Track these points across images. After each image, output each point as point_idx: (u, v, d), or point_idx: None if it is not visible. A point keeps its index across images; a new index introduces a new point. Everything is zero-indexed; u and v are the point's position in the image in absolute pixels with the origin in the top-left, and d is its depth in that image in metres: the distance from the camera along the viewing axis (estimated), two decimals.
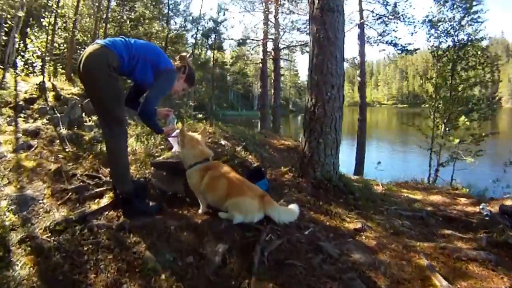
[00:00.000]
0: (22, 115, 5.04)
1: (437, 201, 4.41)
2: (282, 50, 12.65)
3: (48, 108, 5.24)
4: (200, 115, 6.74)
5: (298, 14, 12.59)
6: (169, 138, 2.92)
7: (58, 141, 3.98)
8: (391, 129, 35.79)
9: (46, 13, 9.03)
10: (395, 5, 11.08)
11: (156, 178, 3.06)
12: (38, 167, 3.09)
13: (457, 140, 7.64)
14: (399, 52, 11.23)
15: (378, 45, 11.70)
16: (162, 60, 2.45)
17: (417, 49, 11.47)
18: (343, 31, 3.79)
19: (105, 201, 2.57)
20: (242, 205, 2.33)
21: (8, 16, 7.82)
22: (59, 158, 3.41)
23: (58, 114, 4.75)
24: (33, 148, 3.66)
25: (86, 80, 2.33)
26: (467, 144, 7.96)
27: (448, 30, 8.90)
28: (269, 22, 12.47)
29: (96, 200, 2.61)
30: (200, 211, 2.56)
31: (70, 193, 2.65)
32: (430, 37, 9.30)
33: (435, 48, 8.93)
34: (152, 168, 3.23)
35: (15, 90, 6.00)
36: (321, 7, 3.62)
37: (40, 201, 2.53)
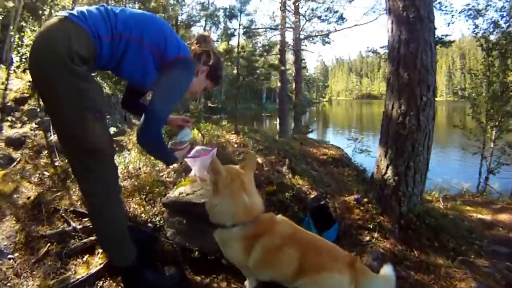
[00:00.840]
0: (9, 118, 4.43)
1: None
2: (303, 41, 11.52)
3: (38, 110, 4.52)
4: (220, 117, 5.62)
5: (317, 2, 11.46)
6: (186, 160, 2.09)
7: (46, 151, 3.35)
8: None
9: (42, 4, 8.26)
10: None
11: (172, 226, 2.13)
12: (15, 193, 2.55)
13: None
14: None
15: None
16: (171, 43, 1.53)
17: (453, 41, 10.23)
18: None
19: (97, 260, 1.89)
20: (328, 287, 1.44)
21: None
22: (44, 178, 2.81)
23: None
24: (15, 163, 3.12)
25: (37, 85, 1.42)
26: None
27: (497, 21, 7.72)
28: (287, 10, 11.32)
29: (84, 258, 1.94)
30: (247, 286, 1.74)
31: (49, 243, 2.02)
32: (476, 27, 8.14)
33: (484, 40, 7.75)
34: (165, 209, 2.28)
35: (5, 89, 5.06)
36: None
37: (9, 255, 1.92)
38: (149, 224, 2.24)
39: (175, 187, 2.54)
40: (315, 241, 1.55)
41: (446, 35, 10.21)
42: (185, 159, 2.51)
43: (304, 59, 10.90)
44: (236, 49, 4.77)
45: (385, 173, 2.62)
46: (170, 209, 2.22)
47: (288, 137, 8.83)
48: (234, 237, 1.50)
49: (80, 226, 2.13)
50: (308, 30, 11.97)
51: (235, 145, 3.98)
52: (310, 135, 10.18)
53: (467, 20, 8.73)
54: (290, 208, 2.50)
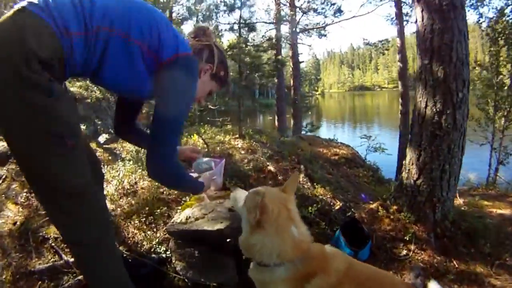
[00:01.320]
0: None
1: None
2: (299, 34, 11.18)
3: None
4: (223, 120, 5.24)
5: None
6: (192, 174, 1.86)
7: None
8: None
9: None
10: None
11: (182, 259, 1.82)
12: (0, 218, 2.26)
13: None
14: None
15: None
16: (167, 39, 1.19)
17: None
18: None
19: None
20: None
21: None
22: (31, 198, 2.47)
23: None
24: (0, 181, 2.79)
25: None
26: None
27: (503, 9, 7.50)
28: (282, 3, 10.96)
29: None
30: None
31: (40, 281, 1.72)
32: (480, 17, 7.95)
33: (490, 29, 7.54)
34: (171, 238, 1.96)
35: None
36: None
37: None
38: (153, 255, 1.92)
39: (180, 208, 2.26)
40: (373, 275, 1.28)
41: None
42: (191, 174, 2.23)
43: (301, 53, 10.53)
44: (240, 45, 4.40)
45: (418, 178, 2.36)
46: (177, 239, 1.91)
47: (288, 134, 8.53)
48: (279, 279, 1.20)
49: (73, 260, 1.82)
50: (304, 23, 11.65)
51: (242, 152, 3.68)
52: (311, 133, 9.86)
53: (468, 11, 8.57)
54: (315, 225, 2.23)
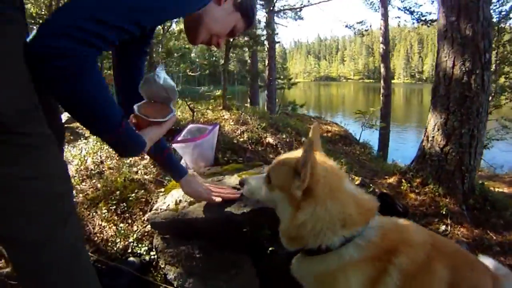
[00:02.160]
0: None
1: None
2: (277, 14, 10.75)
3: None
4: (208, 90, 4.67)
5: None
6: (175, 145, 1.68)
7: None
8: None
9: None
10: None
11: (176, 262, 1.33)
12: None
13: None
14: (415, 21, 9.80)
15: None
16: None
17: (434, 21, 10.18)
18: None
19: None
20: None
21: None
22: None
23: None
24: None
25: None
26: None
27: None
28: None
29: None
30: None
31: None
32: None
33: None
34: (155, 232, 1.46)
35: None
36: None
37: None
38: (131, 258, 1.43)
39: (163, 191, 1.65)
40: (459, 249, 1.01)
41: (429, 13, 10.18)
42: (174, 145, 1.77)
43: (277, 33, 10.14)
44: None
45: (446, 145, 2.14)
46: (165, 233, 1.39)
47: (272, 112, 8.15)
48: (350, 263, 0.87)
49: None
50: (280, 4, 11.24)
51: (232, 123, 3.26)
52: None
53: None
54: None
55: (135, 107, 0.93)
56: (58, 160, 0.77)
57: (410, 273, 0.85)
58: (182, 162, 1.90)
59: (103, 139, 0.83)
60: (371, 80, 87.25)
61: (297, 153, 0.95)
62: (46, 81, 0.65)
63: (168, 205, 1.38)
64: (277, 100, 10.66)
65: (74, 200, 1.65)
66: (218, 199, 1.28)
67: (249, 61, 10.01)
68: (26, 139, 0.65)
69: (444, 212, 1.99)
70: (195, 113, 3.31)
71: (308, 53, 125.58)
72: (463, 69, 2.08)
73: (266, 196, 1.00)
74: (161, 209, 1.38)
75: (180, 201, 1.39)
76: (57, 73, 0.64)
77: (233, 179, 1.53)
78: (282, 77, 13.68)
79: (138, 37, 0.78)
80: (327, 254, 0.89)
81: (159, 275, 1.37)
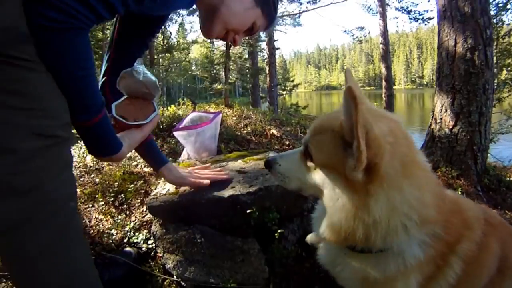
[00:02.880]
0: None
1: None
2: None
3: None
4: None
5: None
6: (176, 133, 1.68)
7: None
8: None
9: None
10: None
11: (175, 250, 1.22)
12: None
13: None
14: (412, 20, 9.90)
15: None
16: None
17: (431, 18, 10.25)
18: None
19: None
20: None
21: None
22: None
23: None
24: None
25: None
26: None
27: None
28: None
29: None
30: None
31: None
32: None
33: None
34: (154, 218, 1.37)
35: None
36: None
37: None
38: (128, 248, 1.36)
39: (163, 180, 1.57)
40: (502, 221, 0.92)
41: (426, 11, 10.25)
42: (175, 133, 1.73)
43: (277, 40, 10.21)
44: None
45: (455, 125, 2.09)
46: (164, 218, 1.29)
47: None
48: (412, 264, 0.71)
49: None
50: (279, 11, 11.33)
51: (234, 118, 3.25)
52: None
53: None
54: None
55: (113, 106, 0.86)
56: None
57: (471, 257, 0.75)
58: (184, 153, 1.86)
59: (75, 125, 0.73)
60: (372, 88, 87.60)
61: (340, 111, 0.66)
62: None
63: (168, 189, 1.32)
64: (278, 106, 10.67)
65: None
66: (206, 182, 1.20)
67: (248, 64, 10.04)
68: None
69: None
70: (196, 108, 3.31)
71: (308, 63, 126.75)
72: (465, 46, 2.06)
73: (309, 181, 0.74)
74: (160, 194, 1.31)
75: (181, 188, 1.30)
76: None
77: (237, 164, 1.48)
78: (283, 86, 13.64)
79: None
80: (384, 253, 0.70)
81: (157, 266, 1.30)
